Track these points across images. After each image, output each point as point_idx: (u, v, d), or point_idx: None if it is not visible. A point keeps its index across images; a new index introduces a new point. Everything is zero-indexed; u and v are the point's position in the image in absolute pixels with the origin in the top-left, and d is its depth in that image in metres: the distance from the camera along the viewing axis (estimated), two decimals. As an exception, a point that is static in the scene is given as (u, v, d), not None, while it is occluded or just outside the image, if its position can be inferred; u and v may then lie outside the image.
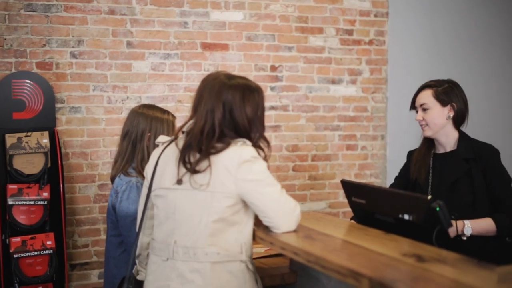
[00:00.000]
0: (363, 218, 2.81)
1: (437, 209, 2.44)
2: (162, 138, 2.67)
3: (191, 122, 2.49)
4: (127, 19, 5.01)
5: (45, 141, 4.59)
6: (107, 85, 4.98)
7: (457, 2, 6.09)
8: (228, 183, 2.35)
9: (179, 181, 2.41)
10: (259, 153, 2.44)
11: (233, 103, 2.42)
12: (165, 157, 2.53)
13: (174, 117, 3.29)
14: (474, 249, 2.68)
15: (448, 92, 3.09)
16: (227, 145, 2.38)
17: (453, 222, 2.72)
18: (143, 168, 3.06)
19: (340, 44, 5.71)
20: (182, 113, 4.97)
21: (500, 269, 1.88)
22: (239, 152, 2.36)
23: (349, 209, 2.95)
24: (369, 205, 2.72)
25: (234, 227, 2.41)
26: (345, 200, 2.97)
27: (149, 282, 2.50)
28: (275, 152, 5.47)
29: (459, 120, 3.13)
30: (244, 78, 2.55)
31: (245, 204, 2.42)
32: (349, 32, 5.74)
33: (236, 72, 3.61)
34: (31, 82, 4.68)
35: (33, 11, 4.77)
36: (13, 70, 4.72)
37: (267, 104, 4.03)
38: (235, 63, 5.34)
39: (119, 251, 3.14)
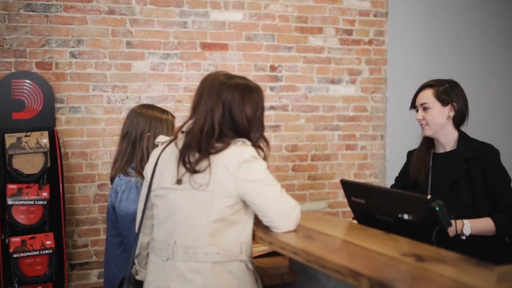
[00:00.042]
0: (363, 218, 2.81)
1: (437, 208, 2.44)
2: (161, 138, 2.67)
3: (190, 122, 2.49)
4: (126, 19, 5.01)
5: (45, 141, 4.59)
6: (107, 85, 4.98)
7: (456, 2, 6.09)
8: (228, 183, 2.35)
9: (179, 181, 2.41)
10: (258, 153, 2.44)
11: (233, 103, 2.42)
12: (164, 157, 2.53)
13: (173, 117, 3.29)
14: (474, 249, 2.68)
15: (448, 91, 3.10)
16: (226, 145, 2.38)
17: (452, 221, 2.72)
18: (142, 168, 3.06)
19: (339, 44, 5.71)
20: (181, 113, 4.97)
21: (499, 268, 1.88)
22: (239, 152, 2.36)
23: (348, 209, 2.96)
24: (368, 205, 2.72)
25: (234, 227, 2.41)
26: (345, 200, 2.97)
27: (149, 282, 2.50)
28: (274, 152, 5.47)
29: (459, 120, 3.13)
30: (243, 78, 2.55)
31: (245, 204, 2.42)
32: (349, 32, 5.74)
33: (235, 72, 3.61)
34: (31, 82, 4.68)
35: (33, 11, 4.77)
36: (13, 70, 4.72)
37: (266, 104, 4.02)
38: (234, 63, 5.34)
39: (119, 251, 3.14)
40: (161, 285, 2.43)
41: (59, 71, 4.86)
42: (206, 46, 5.26)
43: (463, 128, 3.18)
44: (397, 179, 3.42)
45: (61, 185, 4.60)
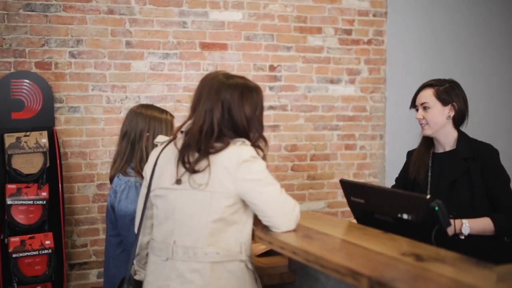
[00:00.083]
0: (362, 217, 2.82)
1: (436, 208, 2.44)
2: (161, 138, 2.68)
3: (189, 122, 2.49)
4: (126, 19, 5.01)
5: (44, 140, 4.59)
6: (106, 84, 4.98)
7: (455, 2, 6.09)
8: (227, 183, 2.35)
9: (178, 181, 2.41)
10: (258, 153, 2.44)
11: (232, 103, 2.42)
12: (164, 157, 2.53)
13: (172, 116, 3.29)
14: (473, 249, 2.68)
15: (449, 91, 3.10)
16: (226, 144, 2.38)
17: (451, 221, 2.73)
18: (141, 168, 3.06)
19: (338, 44, 5.71)
20: (181, 113, 4.97)
21: (499, 268, 1.88)
22: (238, 152, 2.36)
23: (347, 208, 2.96)
24: (368, 205, 2.73)
25: (233, 227, 2.41)
26: (344, 200, 2.97)
27: (149, 282, 2.50)
28: (273, 151, 5.48)
29: (459, 120, 3.13)
30: (242, 77, 2.55)
31: (244, 204, 2.42)
32: (348, 32, 5.74)
33: (235, 72, 3.60)
34: (30, 82, 4.68)
35: (32, 11, 4.77)
36: (12, 70, 4.72)
37: (265, 104, 4.02)
38: (234, 62, 5.34)
39: (118, 250, 3.14)
40: (161, 285, 2.43)
41: (58, 71, 4.86)
42: (205, 46, 5.26)
43: (463, 128, 3.18)
44: (397, 179, 3.43)
45: (60, 185, 4.60)
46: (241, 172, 2.34)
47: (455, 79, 3.21)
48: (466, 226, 2.85)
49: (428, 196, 2.45)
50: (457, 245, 2.56)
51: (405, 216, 2.46)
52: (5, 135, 4.54)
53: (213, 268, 2.35)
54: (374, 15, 5.81)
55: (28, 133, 4.57)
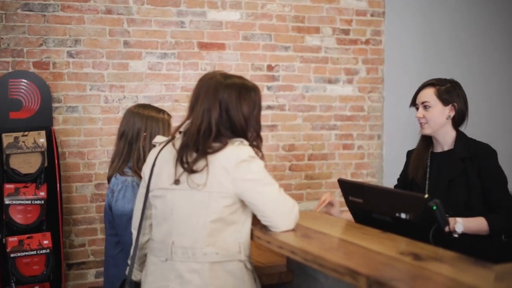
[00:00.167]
0: (360, 217, 2.82)
1: (434, 208, 2.45)
2: (159, 139, 2.68)
3: (188, 122, 2.49)
4: (124, 19, 5.01)
5: (42, 140, 4.59)
6: (104, 84, 4.98)
7: (454, 1, 6.10)
8: (226, 183, 2.35)
9: (177, 181, 2.41)
10: (256, 153, 2.44)
11: (229, 102, 2.42)
12: (162, 157, 2.53)
13: (169, 116, 3.29)
14: (471, 248, 2.68)
15: (450, 91, 3.10)
16: (224, 144, 2.38)
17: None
18: (139, 168, 3.07)
19: (336, 44, 5.71)
20: (179, 113, 4.97)
21: (497, 267, 1.89)
22: (237, 151, 2.36)
23: (346, 208, 2.96)
24: (366, 204, 2.73)
25: (232, 227, 2.41)
26: (342, 199, 2.97)
27: (148, 283, 2.49)
28: (271, 151, 5.48)
29: (459, 120, 3.13)
30: (240, 77, 2.56)
31: (243, 204, 2.42)
32: (346, 32, 5.75)
33: (232, 72, 3.60)
34: (28, 82, 4.68)
35: (30, 11, 4.77)
36: (10, 70, 4.72)
37: (263, 103, 4.04)
38: (231, 62, 5.35)
39: (116, 250, 3.14)
40: (160, 285, 2.43)
41: (56, 70, 4.85)
42: (203, 46, 5.26)
43: (462, 128, 3.18)
44: (398, 179, 3.43)
45: (58, 185, 4.59)
46: (239, 172, 2.34)
47: (454, 79, 3.22)
48: (460, 224, 2.84)
49: (426, 196, 2.46)
50: (455, 245, 2.56)
51: (403, 216, 2.46)
52: (3, 134, 4.53)
53: (212, 268, 2.35)
54: (372, 15, 5.82)
55: (26, 133, 4.57)
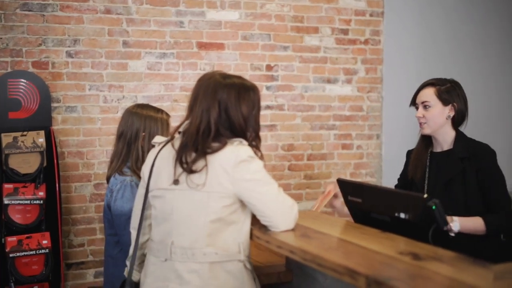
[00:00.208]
0: (359, 217, 2.82)
1: (433, 207, 2.45)
2: (158, 139, 2.67)
3: (187, 122, 2.49)
4: (123, 19, 5.01)
5: (41, 140, 4.59)
6: (103, 84, 4.98)
7: (453, 1, 6.10)
8: (225, 183, 2.35)
9: (176, 181, 2.41)
10: (255, 153, 2.44)
11: (228, 102, 2.42)
12: (161, 157, 2.53)
13: (168, 115, 3.29)
14: (470, 248, 2.68)
15: (450, 91, 3.10)
16: (223, 144, 2.38)
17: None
18: (138, 168, 3.07)
19: (335, 44, 5.71)
20: (178, 113, 4.97)
21: (496, 267, 1.89)
22: (236, 152, 2.36)
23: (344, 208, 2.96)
24: (365, 204, 2.73)
25: (231, 227, 2.41)
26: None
27: (148, 283, 2.49)
28: (270, 151, 5.48)
29: (458, 120, 3.13)
30: (239, 77, 2.55)
31: (242, 204, 2.42)
32: (345, 32, 5.75)
33: (232, 72, 3.61)
34: (27, 82, 4.67)
35: (29, 11, 4.77)
36: (9, 70, 4.72)
37: (262, 103, 4.02)
38: (230, 62, 5.35)
39: (116, 250, 3.14)
40: (159, 286, 2.42)
41: (55, 70, 4.85)
42: (202, 46, 5.26)
43: (462, 128, 3.18)
44: (399, 179, 3.43)
45: (57, 185, 4.59)
46: (239, 172, 2.34)
47: (454, 79, 3.22)
48: (456, 223, 2.83)
49: (425, 196, 2.46)
50: (454, 244, 2.56)
51: (402, 215, 2.46)
52: (2, 134, 4.53)
53: (211, 268, 2.35)
54: (370, 15, 5.82)
55: (25, 133, 4.57)
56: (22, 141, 4.54)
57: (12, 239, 4.41)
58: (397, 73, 5.87)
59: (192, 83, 2.60)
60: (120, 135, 3.20)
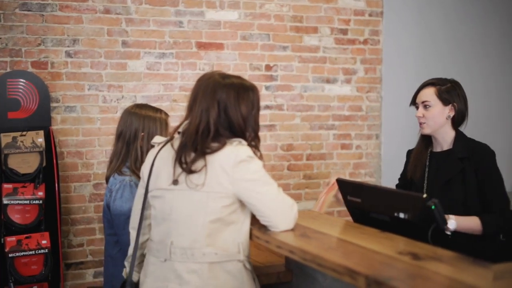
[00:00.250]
0: (359, 216, 2.82)
1: (433, 207, 2.45)
2: (157, 139, 2.67)
3: (186, 122, 2.49)
4: (122, 19, 5.01)
5: (40, 140, 4.59)
6: (102, 84, 4.98)
7: (452, 1, 6.10)
8: (224, 183, 2.35)
9: (175, 182, 2.41)
10: (254, 153, 2.44)
11: (228, 102, 2.42)
12: (161, 157, 2.53)
13: (167, 115, 3.29)
14: (469, 247, 2.68)
15: (450, 91, 3.10)
16: (222, 144, 2.38)
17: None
18: (136, 168, 3.08)
19: (334, 44, 5.72)
20: (177, 112, 4.97)
21: (495, 267, 1.89)
22: (235, 152, 2.36)
23: (344, 208, 2.96)
24: (364, 204, 2.73)
25: (231, 227, 2.41)
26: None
27: (148, 283, 2.49)
28: (270, 151, 5.48)
29: (458, 120, 3.13)
30: (238, 77, 2.55)
31: (242, 204, 2.42)
32: (344, 32, 5.75)
33: (231, 72, 3.61)
34: (26, 81, 4.67)
35: (28, 10, 4.76)
36: (8, 69, 4.72)
37: (262, 103, 4.00)
38: (230, 62, 5.35)
39: (115, 249, 3.14)
40: (159, 286, 2.42)
41: (54, 70, 4.85)
42: (201, 46, 5.26)
43: (462, 128, 3.18)
44: (399, 178, 3.43)
45: (56, 185, 4.59)
46: (238, 172, 2.34)
47: (454, 79, 3.22)
48: (452, 221, 2.83)
49: (425, 195, 2.46)
50: (454, 244, 2.56)
51: (401, 215, 2.47)
52: (1, 134, 4.53)
53: (211, 268, 2.35)
54: (370, 15, 5.82)
55: (24, 133, 4.56)
56: (22, 141, 4.54)
57: (11, 239, 4.41)
58: (396, 73, 5.88)
59: (191, 83, 2.61)
60: (119, 135, 3.20)
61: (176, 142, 2.48)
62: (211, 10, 5.28)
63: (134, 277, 2.67)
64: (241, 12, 5.38)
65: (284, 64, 5.54)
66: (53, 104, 4.84)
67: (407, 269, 1.93)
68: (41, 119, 4.72)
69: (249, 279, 2.45)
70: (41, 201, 4.48)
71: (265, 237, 2.42)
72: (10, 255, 4.37)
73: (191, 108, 2.48)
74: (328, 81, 5.69)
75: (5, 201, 4.43)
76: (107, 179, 3.24)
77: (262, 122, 2.73)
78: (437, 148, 3.20)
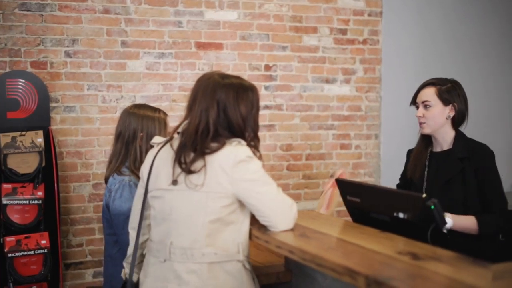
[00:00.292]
0: (358, 216, 2.82)
1: (432, 207, 2.45)
2: (157, 139, 2.67)
3: (186, 122, 2.49)
4: (121, 19, 5.01)
5: (40, 140, 4.59)
6: (102, 84, 4.98)
7: (451, 1, 6.10)
8: (224, 183, 2.34)
9: (175, 182, 2.41)
10: (254, 153, 2.44)
11: (227, 102, 2.42)
12: (160, 158, 2.53)
13: (165, 114, 3.29)
14: (470, 248, 2.68)
15: (451, 91, 3.10)
16: (222, 145, 2.38)
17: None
18: (136, 168, 3.08)
19: (334, 44, 5.72)
20: (176, 112, 4.98)
21: (495, 266, 1.89)
22: (235, 152, 2.36)
23: (343, 208, 2.96)
24: (364, 204, 2.73)
25: (230, 227, 2.41)
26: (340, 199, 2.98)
27: (148, 284, 2.49)
28: (269, 151, 5.48)
29: (459, 120, 3.13)
30: (238, 77, 2.55)
31: (241, 204, 2.42)
32: (343, 32, 5.75)
33: (230, 72, 3.61)
34: (26, 81, 4.67)
35: (28, 10, 4.76)
36: (7, 69, 4.72)
37: (261, 103, 3.99)
38: (229, 62, 5.35)
39: (115, 249, 3.14)
40: (159, 286, 2.42)
41: (53, 70, 4.85)
42: (200, 46, 5.26)
43: (462, 128, 3.18)
44: (400, 178, 3.44)
45: (56, 185, 4.59)
46: (237, 172, 2.34)
47: (454, 79, 3.22)
48: (449, 219, 2.83)
49: (424, 195, 2.46)
50: (453, 244, 2.56)
51: (401, 215, 2.47)
52: (1, 134, 4.53)
53: (210, 268, 2.35)
54: (369, 15, 5.82)
55: (23, 133, 4.56)
56: (21, 141, 4.54)
57: (10, 239, 4.41)
58: (396, 73, 5.88)
59: (190, 83, 2.61)
60: (118, 136, 3.20)
61: (176, 142, 2.48)
62: (210, 10, 5.28)
63: (133, 278, 2.67)
64: (241, 12, 5.38)
65: (284, 64, 5.54)
66: (52, 104, 4.84)
67: (407, 269, 1.93)
68: (40, 119, 4.71)
69: (248, 279, 2.45)
70: (40, 201, 4.48)
71: (265, 237, 2.42)
72: (10, 255, 4.36)
73: (190, 108, 2.48)
74: (327, 81, 5.69)
75: (4, 201, 4.43)
76: (106, 180, 3.24)
77: (261, 122, 2.72)
78: (437, 148, 3.20)
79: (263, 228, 2.47)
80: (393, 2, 5.88)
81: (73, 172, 4.93)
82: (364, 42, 5.82)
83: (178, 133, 2.52)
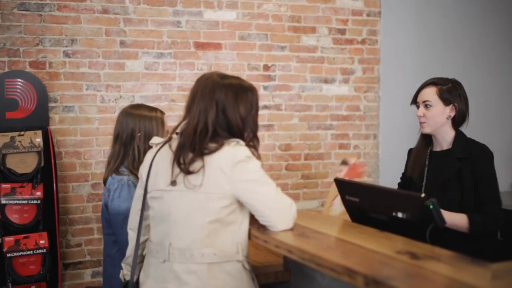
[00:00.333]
0: (357, 216, 2.82)
1: (431, 207, 2.45)
2: (156, 140, 2.67)
3: (184, 122, 2.49)
4: (120, 18, 5.01)
5: (38, 140, 4.58)
6: (100, 84, 4.98)
7: (450, 1, 6.10)
8: (223, 184, 2.34)
9: (173, 182, 2.41)
10: (252, 153, 2.44)
11: (226, 102, 2.42)
12: (159, 158, 2.53)
13: (162, 113, 3.29)
14: (468, 247, 2.69)
15: (451, 91, 3.10)
16: (220, 145, 2.38)
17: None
18: (134, 168, 3.08)
19: (332, 44, 5.72)
20: (175, 112, 4.98)
21: (494, 266, 1.89)
22: (233, 152, 2.36)
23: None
24: (363, 204, 2.73)
25: (229, 227, 2.41)
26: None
27: (149, 285, 2.49)
28: (268, 151, 5.48)
29: (459, 120, 3.14)
30: (237, 77, 2.56)
31: (240, 204, 2.42)
32: (342, 32, 5.75)
33: (229, 72, 3.61)
34: (24, 81, 4.67)
35: (26, 10, 4.76)
36: (6, 69, 4.71)
37: (260, 103, 3.99)
38: (228, 62, 5.35)
39: (114, 249, 3.14)
40: (159, 287, 2.42)
41: (52, 70, 4.85)
42: (199, 46, 5.26)
43: (462, 129, 3.19)
44: (401, 177, 3.44)
45: (54, 185, 4.59)
46: (236, 172, 2.34)
47: (455, 79, 3.22)
48: None
49: (423, 195, 2.46)
50: (452, 244, 2.57)
51: (400, 215, 2.47)
52: (-1, 134, 4.53)
53: (209, 269, 2.35)
54: (368, 15, 5.83)
55: (22, 133, 4.56)
56: (20, 141, 4.54)
57: (9, 239, 4.40)
58: (394, 73, 5.88)
59: (189, 83, 2.61)
60: (116, 137, 3.21)
61: (174, 142, 2.48)
62: (209, 10, 5.28)
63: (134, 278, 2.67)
64: (239, 12, 5.38)
65: (282, 64, 5.54)
66: (51, 104, 4.84)
67: (406, 269, 1.93)
68: (39, 119, 4.71)
69: (248, 279, 2.45)
70: (39, 201, 4.48)
71: (264, 236, 2.42)
72: (8, 255, 4.36)
73: (189, 108, 2.48)
74: (326, 81, 5.69)
75: (3, 201, 4.42)
76: (104, 181, 3.25)
77: (260, 122, 2.71)
78: (437, 148, 3.20)
79: (262, 227, 2.47)
80: (392, 2, 5.88)
81: (72, 172, 4.93)
82: (363, 42, 5.82)
83: (177, 133, 2.52)
